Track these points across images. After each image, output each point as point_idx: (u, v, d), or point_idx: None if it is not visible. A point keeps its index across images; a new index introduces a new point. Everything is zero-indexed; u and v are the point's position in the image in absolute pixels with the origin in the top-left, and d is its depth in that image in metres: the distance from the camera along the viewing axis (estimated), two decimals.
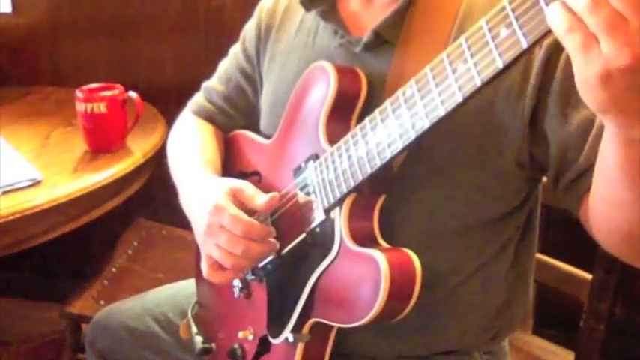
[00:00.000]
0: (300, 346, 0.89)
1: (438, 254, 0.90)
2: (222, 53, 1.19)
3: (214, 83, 1.17)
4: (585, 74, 0.53)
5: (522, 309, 1.00)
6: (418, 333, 0.93)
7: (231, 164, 1.10)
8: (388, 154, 0.76)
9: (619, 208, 0.72)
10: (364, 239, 0.83)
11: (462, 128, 0.83)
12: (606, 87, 0.53)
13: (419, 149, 0.82)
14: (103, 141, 1.45)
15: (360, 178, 0.80)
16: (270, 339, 0.94)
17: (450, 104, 0.67)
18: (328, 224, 0.85)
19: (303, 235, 0.89)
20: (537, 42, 0.57)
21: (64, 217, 1.30)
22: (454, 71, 0.66)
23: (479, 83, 0.64)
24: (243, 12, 1.17)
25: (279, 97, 1.00)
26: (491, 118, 0.83)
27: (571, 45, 0.53)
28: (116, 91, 1.44)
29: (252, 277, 0.98)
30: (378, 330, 0.90)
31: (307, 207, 0.89)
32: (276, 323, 0.93)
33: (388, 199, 0.86)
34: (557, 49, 0.79)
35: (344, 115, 0.88)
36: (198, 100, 1.19)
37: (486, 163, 0.85)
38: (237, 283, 1.01)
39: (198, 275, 1.12)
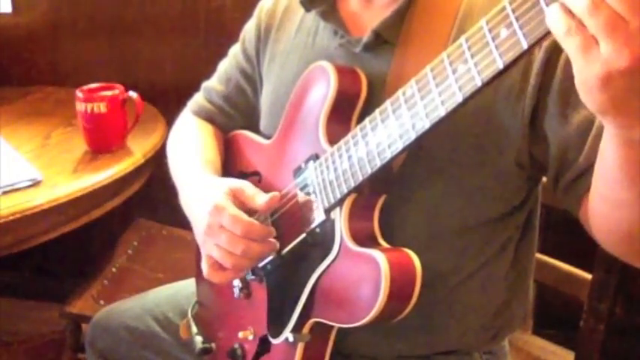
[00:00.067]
0: (300, 346, 0.89)
1: (438, 254, 0.90)
2: (222, 53, 1.19)
3: (214, 83, 1.17)
4: (585, 76, 0.53)
5: (522, 309, 1.00)
6: (418, 333, 0.93)
7: (231, 164, 1.10)
8: (388, 155, 0.76)
9: (619, 208, 0.72)
10: (364, 239, 0.83)
11: (462, 128, 0.83)
12: (606, 89, 0.53)
13: (419, 149, 0.82)
14: (103, 141, 1.45)
15: (360, 178, 0.80)
16: (271, 339, 0.94)
17: (451, 104, 0.67)
18: (328, 224, 0.85)
19: (304, 235, 0.89)
20: (538, 42, 0.57)
21: (64, 217, 1.30)
22: (454, 71, 0.66)
23: (479, 84, 0.64)
24: (243, 12, 1.17)
25: (279, 97, 1.00)
26: (492, 118, 0.83)
27: (571, 47, 0.53)
28: (116, 91, 1.45)
29: (253, 277, 0.98)
30: (378, 330, 0.90)
31: (307, 207, 0.89)
32: (276, 323, 0.93)
33: (388, 199, 0.86)
34: (557, 49, 0.79)
35: (344, 115, 0.88)
36: (198, 100, 1.19)
37: (486, 163, 0.85)
38: (237, 283, 1.01)
39: (198, 275, 1.13)
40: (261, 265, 0.95)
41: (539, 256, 1.15)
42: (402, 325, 0.83)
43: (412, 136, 0.72)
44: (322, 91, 0.89)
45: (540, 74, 0.80)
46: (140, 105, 1.47)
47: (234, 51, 1.16)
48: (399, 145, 0.74)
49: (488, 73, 0.62)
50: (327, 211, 0.85)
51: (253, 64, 1.10)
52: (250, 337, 0.98)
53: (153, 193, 1.62)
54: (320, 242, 0.87)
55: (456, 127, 0.82)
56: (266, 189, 0.92)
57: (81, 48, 2.03)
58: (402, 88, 0.73)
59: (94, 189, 1.32)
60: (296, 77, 0.95)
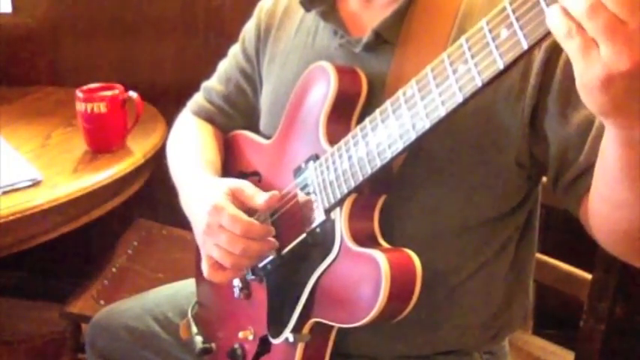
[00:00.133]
0: (300, 346, 0.89)
1: (438, 254, 0.90)
2: (221, 53, 1.19)
3: (214, 83, 1.17)
4: (586, 78, 0.53)
5: (522, 309, 1.00)
6: (418, 333, 0.93)
7: (231, 164, 1.10)
8: (388, 155, 0.76)
9: (619, 208, 0.72)
10: (364, 239, 0.83)
11: (462, 128, 0.83)
12: (607, 90, 0.53)
13: (419, 149, 0.82)
14: (103, 141, 1.45)
15: (361, 178, 0.80)
16: (271, 339, 0.94)
17: (451, 105, 0.67)
18: (328, 224, 0.85)
19: (304, 235, 0.89)
20: (538, 43, 0.57)
21: (64, 217, 1.30)
22: (455, 72, 0.66)
23: (480, 84, 0.64)
24: (242, 12, 1.17)
25: (279, 97, 1.00)
26: (492, 118, 0.83)
27: (571, 49, 0.53)
28: (116, 91, 1.45)
29: (253, 277, 0.98)
30: (378, 330, 0.90)
31: (307, 207, 0.89)
32: (276, 323, 0.93)
33: (388, 199, 0.86)
34: (556, 49, 0.79)
35: (344, 115, 0.88)
36: (197, 100, 1.19)
37: (486, 162, 0.85)
38: (237, 283, 1.01)
39: (198, 275, 1.12)
40: (261, 265, 0.95)
41: (539, 256, 1.15)
42: (402, 325, 0.83)
43: (412, 136, 0.72)
44: (322, 91, 0.89)
45: (540, 74, 0.80)
46: (140, 105, 1.47)
47: (234, 51, 1.16)
48: (400, 145, 0.74)
49: (489, 73, 0.62)
50: (328, 211, 0.85)
51: (253, 64, 1.10)
52: (250, 337, 0.98)
53: (153, 193, 1.62)
54: (320, 242, 0.87)
55: (456, 127, 0.82)
56: (266, 189, 0.92)
57: (81, 48, 2.03)
58: (403, 88, 0.73)
59: (94, 189, 1.32)
60: (296, 77, 0.95)
